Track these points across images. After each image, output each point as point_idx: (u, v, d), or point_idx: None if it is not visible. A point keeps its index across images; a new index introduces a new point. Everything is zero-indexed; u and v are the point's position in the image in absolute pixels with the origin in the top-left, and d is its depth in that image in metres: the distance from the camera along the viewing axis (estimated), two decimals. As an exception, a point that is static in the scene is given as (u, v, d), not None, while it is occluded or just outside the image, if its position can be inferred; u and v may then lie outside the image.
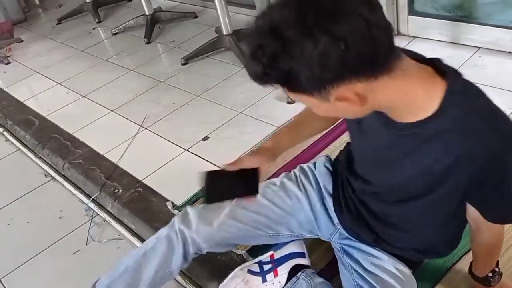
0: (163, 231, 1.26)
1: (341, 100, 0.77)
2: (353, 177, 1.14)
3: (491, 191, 0.89)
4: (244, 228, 1.23)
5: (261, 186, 1.14)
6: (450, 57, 2.20)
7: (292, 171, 1.33)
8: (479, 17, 2.29)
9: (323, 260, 1.41)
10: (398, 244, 1.12)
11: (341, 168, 1.21)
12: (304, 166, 1.32)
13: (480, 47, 2.21)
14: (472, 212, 0.97)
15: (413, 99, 0.83)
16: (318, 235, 1.30)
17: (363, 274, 1.14)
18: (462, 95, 0.83)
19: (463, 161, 0.83)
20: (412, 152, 0.89)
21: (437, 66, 0.86)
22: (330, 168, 1.27)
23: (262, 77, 0.75)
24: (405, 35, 2.46)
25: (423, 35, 2.40)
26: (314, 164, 1.31)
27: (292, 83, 0.75)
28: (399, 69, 0.78)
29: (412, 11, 2.41)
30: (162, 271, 1.22)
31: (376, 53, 0.72)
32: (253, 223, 1.23)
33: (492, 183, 0.87)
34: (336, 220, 1.23)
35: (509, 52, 2.13)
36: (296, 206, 1.25)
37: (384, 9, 2.55)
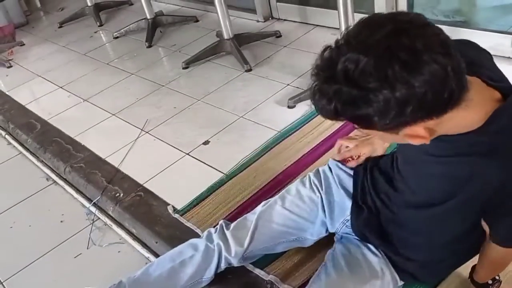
0: (201, 244, 1.36)
1: (412, 137, 0.79)
2: (386, 177, 1.16)
3: (503, 215, 0.92)
4: (269, 240, 1.32)
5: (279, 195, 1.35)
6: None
7: (307, 174, 1.37)
8: (478, 22, 2.30)
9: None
10: (404, 250, 1.14)
11: (368, 170, 1.24)
12: (320, 168, 1.36)
13: (479, 52, 2.22)
14: (485, 226, 0.99)
15: (467, 124, 0.84)
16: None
17: (343, 253, 1.20)
18: (508, 116, 0.83)
19: (481, 178, 0.86)
20: (445, 156, 0.91)
21: (505, 88, 0.87)
22: (350, 171, 1.30)
23: (332, 116, 0.75)
24: (405, 40, 2.47)
25: (422, 40, 2.41)
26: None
27: (365, 124, 0.76)
28: (464, 101, 0.77)
29: (411, 16, 2.43)
30: (194, 279, 1.33)
31: (451, 94, 0.72)
32: (277, 234, 1.32)
33: (506, 206, 0.89)
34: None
35: (509, 57, 2.14)
36: (314, 211, 1.31)
37: (384, 15, 2.53)
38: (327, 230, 1.33)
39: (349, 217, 1.25)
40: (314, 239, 1.34)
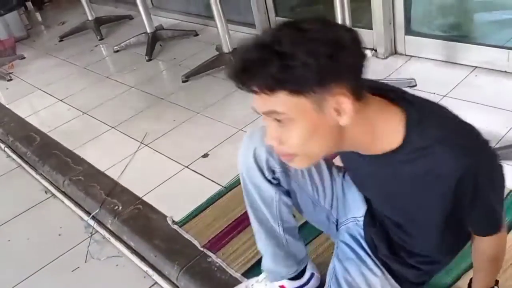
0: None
1: (338, 112, 0.84)
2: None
3: (468, 209, 0.94)
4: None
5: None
6: (447, 76, 2.24)
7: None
8: (475, 37, 2.33)
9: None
10: (410, 260, 1.14)
11: None
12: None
13: (476, 67, 2.24)
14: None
15: (377, 135, 0.90)
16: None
17: (343, 274, 1.17)
18: (421, 123, 0.89)
19: (462, 177, 0.88)
20: (403, 175, 0.94)
21: (388, 95, 0.93)
22: None
23: (276, 77, 0.80)
24: (402, 55, 2.50)
25: (419, 55, 2.44)
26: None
27: (294, 80, 0.81)
28: (366, 104, 0.87)
29: (409, 31, 2.46)
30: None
31: (358, 64, 0.85)
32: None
33: (466, 200, 0.92)
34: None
35: (505, 71, 2.16)
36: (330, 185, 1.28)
37: (382, 29, 2.60)
38: (328, 218, 1.31)
39: (360, 218, 1.24)
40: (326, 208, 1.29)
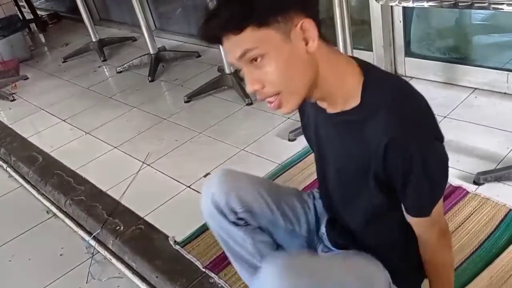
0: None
1: (303, 37, 0.90)
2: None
3: (413, 179, 0.94)
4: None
5: None
6: (447, 97, 2.26)
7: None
8: (474, 59, 2.36)
9: None
10: (381, 251, 1.12)
11: None
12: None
13: (476, 88, 2.27)
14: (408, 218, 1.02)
15: (345, 84, 0.96)
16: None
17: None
18: (375, 88, 0.95)
19: (390, 143, 0.91)
20: (354, 137, 0.99)
21: (350, 57, 1.00)
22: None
23: (239, 13, 0.87)
24: (402, 76, 2.53)
25: (419, 76, 2.46)
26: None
27: (256, 12, 0.87)
28: (334, 50, 0.96)
29: (408, 53, 2.49)
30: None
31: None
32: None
33: (396, 172, 0.94)
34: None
35: (505, 93, 2.19)
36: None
37: (382, 51, 2.64)
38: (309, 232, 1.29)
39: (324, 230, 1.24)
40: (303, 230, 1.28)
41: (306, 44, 0.90)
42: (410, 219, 1.02)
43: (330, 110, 1.01)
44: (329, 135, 1.07)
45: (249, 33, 0.88)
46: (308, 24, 0.90)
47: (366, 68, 0.97)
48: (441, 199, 1.01)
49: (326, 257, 1.20)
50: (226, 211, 1.19)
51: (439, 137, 0.96)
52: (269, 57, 0.90)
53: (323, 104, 1.02)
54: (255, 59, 0.90)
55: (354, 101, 0.95)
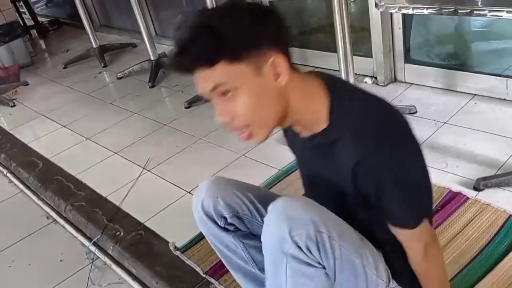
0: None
1: (275, 72, 0.91)
2: None
3: (387, 196, 0.95)
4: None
5: None
6: (446, 104, 2.27)
7: None
8: (473, 66, 2.37)
9: None
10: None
11: None
12: None
13: (476, 94, 2.28)
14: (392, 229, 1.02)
15: (314, 109, 0.97)
16: None
17: None
18: (341, 110, 0.96)
19: (357, 166, 0.93)
20: (326, 160, 1.00)
21: (320, 77, 1.00)
22: None
23: (211, 49, 0.87)
24: (402, 82, 2.54)
25: (419, 82, 2.47)
26: None
27: (228, 47, 0.88)
28: (303, 77, 0.97)
29: (408, 59, 2.50)
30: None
31: (284, 32, 0.95)
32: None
33: (370, 191, 0.95)
34: None
35: (504, 99, 2.19)
36: None
37: (381, 58, 2.65)
38: None
39: None
40: None
41: (277, 78, 0.92)
42: (393, 231, 1.02)
43: (303, 134, 1.03)
44: (306, 158, 1.11)
45: (221, 68, 0.88)
46: (280, 59, 0.91)
47: (333, 87, 0.98)
48: (427, 214, 1.01)
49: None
50: (215, 217, 1.20)
51: (410, 145, 0.95)
52: (240, 91, 0.90)
53: (296, 129, 1.04)
54: (226, 93, 0.91)
55: (323, 124, 0.97)
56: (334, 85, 0.99)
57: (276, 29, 0.93)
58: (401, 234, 1.01)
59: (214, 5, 2.63)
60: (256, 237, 1.23)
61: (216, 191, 1.20)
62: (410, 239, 1.02)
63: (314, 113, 0.97)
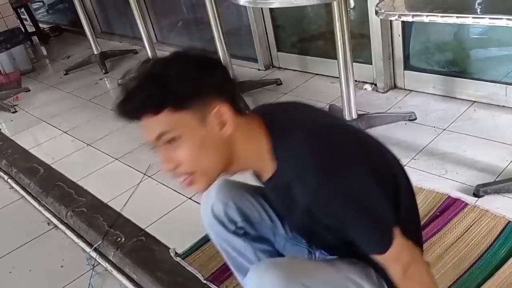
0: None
1: (220, 122, 0.92)
2: None
3: (348, 227, 0.95)
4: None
5: None
6: (446, 110, 2.28)
7: None
8: (473, 72, 2.38)
9: None
10: None
11: None
12: None
13: (475, 101, 2.29)
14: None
15: (260, 156, 0.97)
16: None
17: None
18: (286, 153, 0.95)
19: (310, 207, 0.94)
20: (288, 203, 1.01)
21: (261, 118, 1.00)
22: None
23: (155, 97, 0.89)
24: (402, 89, 2.55)
25: (419, 89, 2.48)
26: None
27: (172, 96, 0.89)
28: (248, 121, 0.97)
29: (407, 66, 2.52)
30: None
31: (230, 82, 0.97)
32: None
33: (341, 219, 0.95)
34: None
35: (503, 106, 2.20)
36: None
37: (381, 64, 2.66)
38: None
39: None
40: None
41: (222, 127, 0.93)
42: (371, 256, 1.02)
43: (263, 178, 1.03)
44: (272, 199, 1.14)
45: (165, 116, 0.89)
46: (225, 109, 0.92)
47: (273, 126, 0.97)
48: (399, 234, 0.97)
49: (315, 261, 1.20)
50: (225, 221, 1.21)
51: (358, 170, 0.93)
52: (184, 139, 0.92)
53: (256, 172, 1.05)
54: (170, 141, 0.92)
55: (272, 168, 0.97)
56: (274, 124, 0.98)
57: (221, 79, 0.94)
58: (377, 259, 1.00)
59: (212, 20, 2.64)
60: (265, 240, 1.25)
61: (227, 195, 1.21)
62: (386, 262, 1.00)
63: (260, 159, 0.98)
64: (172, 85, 0.89)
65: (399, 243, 0.97)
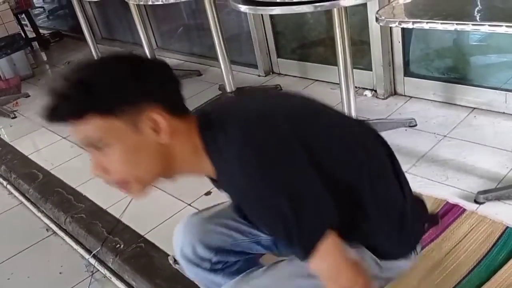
0: None
1: (154, 129, 0.87)
2: None
3: (273, 230, 0.94)
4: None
5: None
6: (446, 117, 2.28)
7: None
8: (473, 79, 2.38)
9: None
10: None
11: None
12: None
13: (475, 108, 2.29)
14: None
15: (199, 161, 0.93)
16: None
17: None
18: (218, 149, 0.91)
19: (242, 208, 0.95)
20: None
21: (195, 120, 0.96)
22: None
23: (79, 103, 0.85)
24: (402, 95, 2.55)
25: (419, 95, 2.49)
26: None
27: (98, 102, 0.85)
28: (187, 122, 0.92)
29: (407, 73, 2.52)
30: None
31: (167, 85, 0.92)
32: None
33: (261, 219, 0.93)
34: None
35: (503, 112, 2.20)
36: None
37: (381, 71, 2.66)
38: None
39: None
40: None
41: (158, 133, 0.87)
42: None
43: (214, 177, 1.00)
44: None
45: (92, 121, 0.85)
46: (159, 116, 0.86)
47: (203, 124, 0.93)
48: (340, 252, 0.88)
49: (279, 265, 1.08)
50: (198, 262, 1.18)
51: (289, 170, 0.86)
52: (113, 147, 0.87)
53: None
54: (99, 147, 0.88)
55: (212, 168, 0.94)
56: (205, 123, 0.93)
57: (157, 83, 0.89)
58: (314, 269, 0.91)
59: (213, 26, 2.65)
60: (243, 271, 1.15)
61: (192, 235, 1.17)
62: (324, 278, 0.90)
63: (199, 161, 0.93)
64: (98, 91, 0.84)
65: (331, 256, 0.87)
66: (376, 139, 1.06)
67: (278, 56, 3.12)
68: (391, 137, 2.17)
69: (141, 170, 0.91)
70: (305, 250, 0.87)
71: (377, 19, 1.71)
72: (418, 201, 1.15)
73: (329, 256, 0.88)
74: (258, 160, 0.85)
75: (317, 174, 0.87)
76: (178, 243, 1.20)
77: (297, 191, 0.86)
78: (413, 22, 1.62)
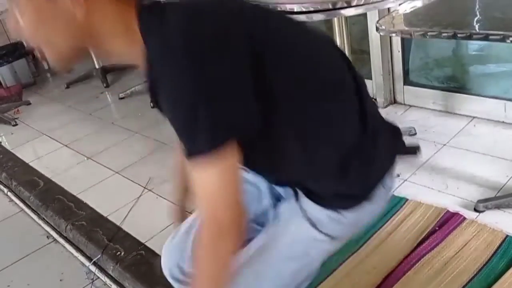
0: None
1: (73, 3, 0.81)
2: None
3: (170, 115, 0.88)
4: None
5: None
6: (446, 126, 2.29)
7: None
8: (472, 88, 2.40)
9: None
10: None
11: None
12: None
13: (475, 117, 2.30)
14: None
15: (131, 47, 0.87)
16: None
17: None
18: (151, 30, 0.84)
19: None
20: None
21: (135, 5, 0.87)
22: None
23: None
24: (401, 104, 2.56)
25: (418, 104, 2.50)
26: None
27: None
28: (120, 4, 0.85)
29: (407, 82, 2.54)
30: None
31: None
32: None
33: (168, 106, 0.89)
34: None
35: (503, 121, 2.22)
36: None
37: (381, 80, 2.67)
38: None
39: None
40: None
41: (74, 6, 0.82)
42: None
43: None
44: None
45: None
46: None
47: (145, 10, 0.86)
48: (230, 175, 0.82)
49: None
50: (188, 280, 1.12)
51: (219, 68, 0.79)
52: (26, 7, 0.84)
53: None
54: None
55: (142, 60, 0.86)
56: (149, 7, 0.87)
57: None
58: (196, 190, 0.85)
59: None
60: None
61: (176, 256, 1.17)
62: (200, 209, 0.85)
63: (133, 44, 0.86)
64: None
65: (217, 171, 0.81)
66: (336, 51, 1.01)
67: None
68: (391, 145, 2.19)
69: (52, 37, 0.87)
70: (194, 149, 0.82)
71: (377, 29, 1.73)
72: (388, 131, 1.07)
73: (214, 170, 0.81)
74: (187, 51, 0.79)
75: (253, 79, 0.81)
76: (166, 266, 1.21)
77: (216, 90, 0.79)
78: (413, 32, 1.63)
